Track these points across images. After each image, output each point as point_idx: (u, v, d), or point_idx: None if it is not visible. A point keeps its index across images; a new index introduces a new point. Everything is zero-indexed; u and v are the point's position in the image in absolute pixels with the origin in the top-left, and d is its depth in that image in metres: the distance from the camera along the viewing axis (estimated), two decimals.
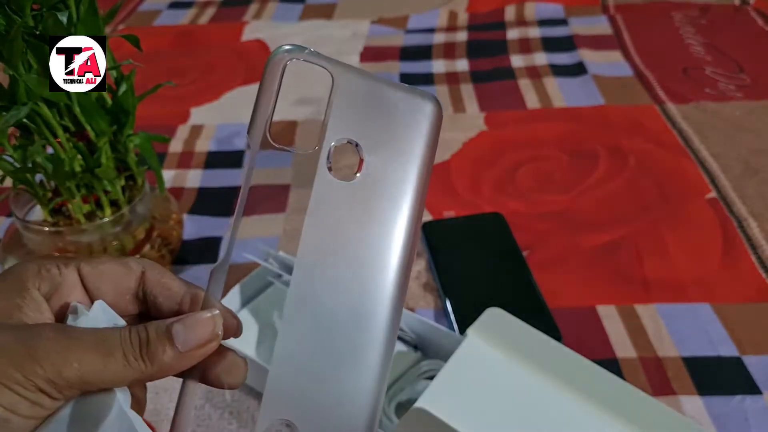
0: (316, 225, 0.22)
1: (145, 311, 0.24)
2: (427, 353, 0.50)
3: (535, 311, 0.55)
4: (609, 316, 0.55)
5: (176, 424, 0.22)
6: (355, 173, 0.23)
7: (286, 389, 0.22)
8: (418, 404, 0.37)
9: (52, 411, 0.19)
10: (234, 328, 0.23)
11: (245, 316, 0.52)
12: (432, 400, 0.37)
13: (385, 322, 0.22)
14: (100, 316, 0.22)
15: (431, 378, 0.45)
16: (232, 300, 0.53)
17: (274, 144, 0.22)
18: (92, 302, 0.22)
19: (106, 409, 0.20)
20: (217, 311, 0.21)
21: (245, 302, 0.54)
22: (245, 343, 0.50)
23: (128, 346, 0.20)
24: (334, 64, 0.23)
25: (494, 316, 0.44)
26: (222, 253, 0.23)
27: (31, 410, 0.18)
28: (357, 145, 0.23)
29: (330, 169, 0.23)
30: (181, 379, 0.22)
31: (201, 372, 0.22)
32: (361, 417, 0.22)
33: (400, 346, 0.50)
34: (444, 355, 0.42)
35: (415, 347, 0.50)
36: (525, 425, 0.38)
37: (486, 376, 0.40)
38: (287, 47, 0.22)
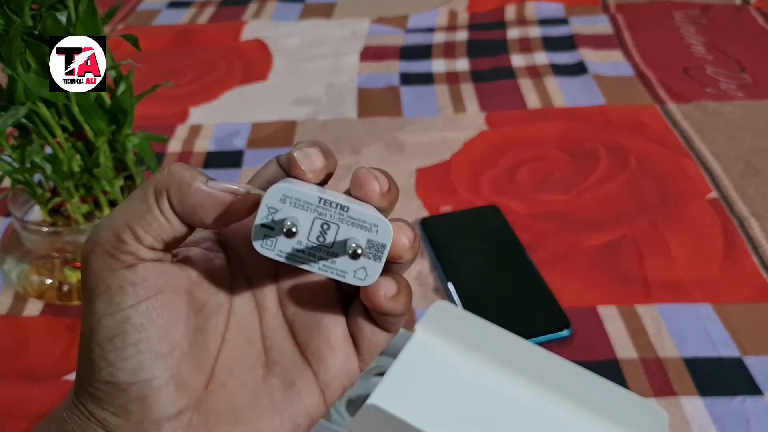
0: None
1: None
2: None
3: (543, 298, 0.56)
4: (610, 316, 0.55)
5: None
6: None
7: None
8: (370, 401, 0.37)
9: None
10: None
11: None
12: (384, 395, 0.37)
13: None
14: None
15: (380, 374, 0.46)
16: None
17: None
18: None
19: None
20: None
21: None
22: None
23: None
24: None
25: (441, 309, 0.44)
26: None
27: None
28: None
29: None
30: None
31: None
32: None
33: None
34: (392, 352, 0.42)
35: None
36: (477, 415, 0.38)
37: (436, 369, 0.41)
38: None
